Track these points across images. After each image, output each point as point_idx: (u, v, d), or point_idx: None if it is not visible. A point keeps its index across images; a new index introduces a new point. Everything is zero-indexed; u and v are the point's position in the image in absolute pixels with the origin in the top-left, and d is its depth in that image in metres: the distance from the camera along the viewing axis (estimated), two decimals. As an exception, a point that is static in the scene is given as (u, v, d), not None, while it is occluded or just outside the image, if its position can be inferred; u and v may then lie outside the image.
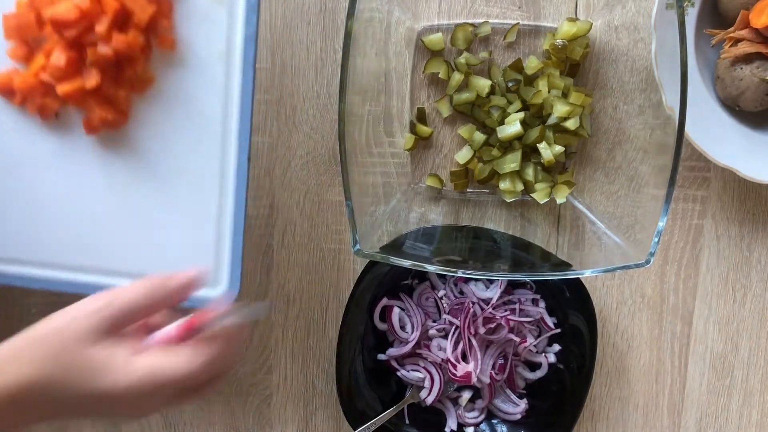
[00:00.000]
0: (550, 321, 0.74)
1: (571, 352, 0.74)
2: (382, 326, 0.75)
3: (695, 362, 0.78)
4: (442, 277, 0.75)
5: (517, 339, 0.73)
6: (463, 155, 0.74)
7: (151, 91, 0.63)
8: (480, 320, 0.72)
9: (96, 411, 0.46)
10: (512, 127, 0.71)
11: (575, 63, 0.72)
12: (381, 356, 0.75)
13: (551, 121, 0.71)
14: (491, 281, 0.74)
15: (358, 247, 0.58)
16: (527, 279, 0.74)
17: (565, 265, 0.66)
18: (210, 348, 0.47)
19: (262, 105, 0.75)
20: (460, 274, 0.60)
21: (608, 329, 0.77)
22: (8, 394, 0.44)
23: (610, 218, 0.67)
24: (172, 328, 0.49)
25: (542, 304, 0.74)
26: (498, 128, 0.72)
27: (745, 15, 0.68)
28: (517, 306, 0.73)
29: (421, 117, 0.74)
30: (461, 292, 0.74)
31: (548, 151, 0.71)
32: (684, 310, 0.77)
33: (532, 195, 0.73)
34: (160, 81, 0.63)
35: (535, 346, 0.74)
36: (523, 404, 0.75)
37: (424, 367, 0.74)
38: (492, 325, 0.72)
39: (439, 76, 0.73)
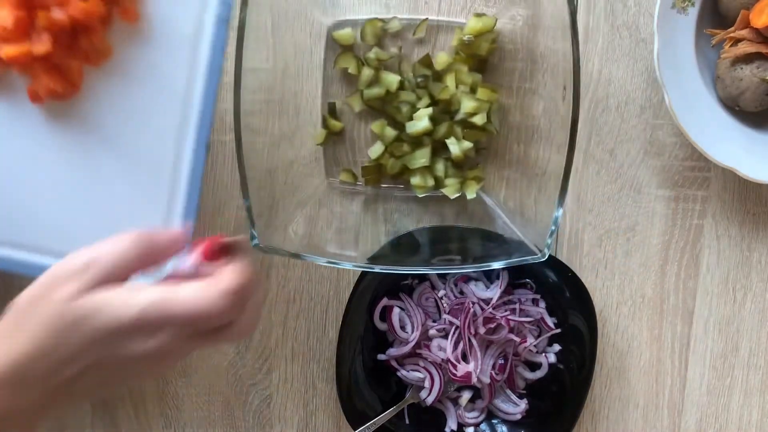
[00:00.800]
0: (550, 321, 0.74)
1: (571, 352, 0.74)
2: (382, 326, 0.75)
3: (695, 362, 0.78)
4: (442, 277, 0.75)
5: (517, 339, 0.73)
6: (375, 150, 0.73)
7: (109, 63, 0.58)
8: (480, 320, 0.72)
9: (104, 365, 0.41)
10: (421, 122, 0.71)
11: (483, 59, 0.72)
12: (381, 356, 0.75)
13: (459, 116, 0.71)
14: (491, 281, 0.74)
15: (256, 241, 0.58)
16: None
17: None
18: (224, 281, 0.42)
19: (263, 105, 0.74)
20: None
21: (608, 329, 0.77)
22: (1, 372, 0.40)
23: (515, 214, 0.68)
24: (184, 262, 0.44)
25: (542, 304, 0.74)
26: (407, 123, 0.72)
27: (745, 15, 0.68)
28: (517, 306, 0.73)
29: (332, 111, 0.74)
30: (461, 292, 0.74)
31: (456, 147, 0.71)
32: (684, 310, 0.77)
33: (442, 190, 0.73)
34: (120, 54, 0.58)
35: (535, 346, 0.74)
36: (523, 404, 0.75)
37: (424, 367, 0.74)
38: (492, 325, 0.72)
39: (349, 71, 0.73)
